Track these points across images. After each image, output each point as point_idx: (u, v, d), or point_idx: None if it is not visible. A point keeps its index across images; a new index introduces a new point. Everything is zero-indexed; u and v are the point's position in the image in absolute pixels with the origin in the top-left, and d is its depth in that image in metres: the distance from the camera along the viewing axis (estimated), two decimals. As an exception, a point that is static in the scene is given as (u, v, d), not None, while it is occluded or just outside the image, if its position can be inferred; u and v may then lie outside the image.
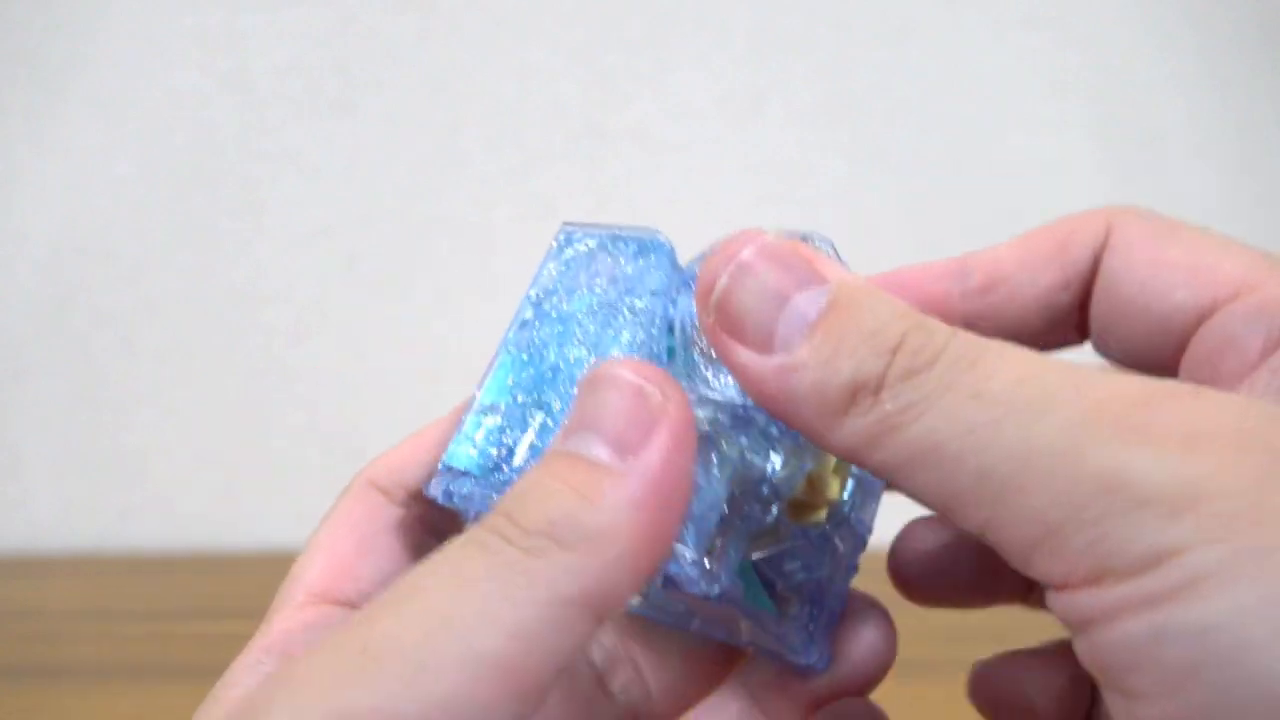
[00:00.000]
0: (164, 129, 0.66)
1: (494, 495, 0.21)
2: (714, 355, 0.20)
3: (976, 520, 0.17)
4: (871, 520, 0.23)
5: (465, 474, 0.21)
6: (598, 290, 0.22)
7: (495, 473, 0.21)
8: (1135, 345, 0.22)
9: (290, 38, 0.66)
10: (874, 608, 0.23)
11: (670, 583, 0.19)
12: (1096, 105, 0.67)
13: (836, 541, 0.22)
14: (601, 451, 0.17)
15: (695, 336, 0.21)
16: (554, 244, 0.24)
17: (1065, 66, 0.66)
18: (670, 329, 0.21)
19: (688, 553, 0.18)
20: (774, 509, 0.20)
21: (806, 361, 0.18)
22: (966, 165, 0.67)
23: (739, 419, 0.20)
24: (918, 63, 0.67)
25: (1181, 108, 0.66)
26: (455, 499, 0.21)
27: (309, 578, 0.23)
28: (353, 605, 0.22)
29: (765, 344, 0.18)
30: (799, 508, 0.21)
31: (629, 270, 0.22)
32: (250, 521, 0.67)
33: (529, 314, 0.23)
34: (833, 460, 0.21)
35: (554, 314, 0.23)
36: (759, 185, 0.68)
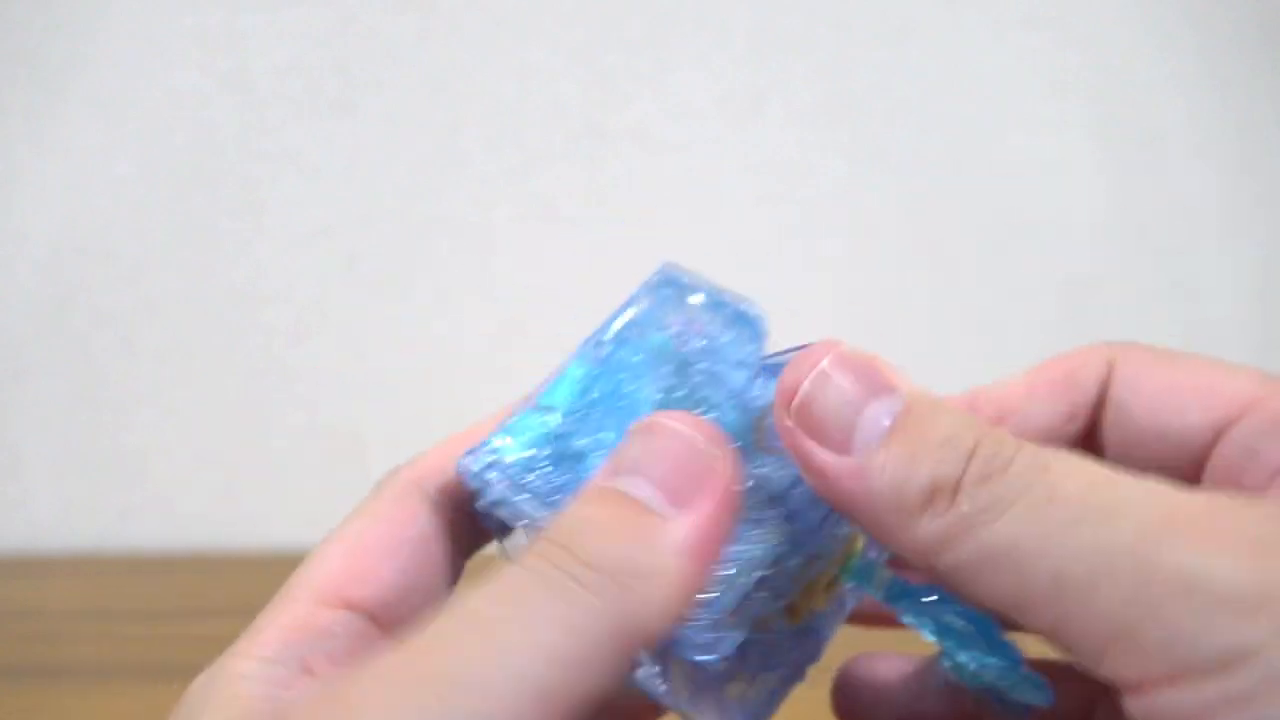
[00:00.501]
0: (164, 129, 0.66)
1: (524, 496, 0.21)
2: (771, 446, 0.21)
3: (1047, 620, 0.18)
4: (831, 636, 0.24)
5: (509, 464, 0.22)
6: (690, 343, 0.23)
7: (529, 472, 0.22)
8: (1153, 466, 0.23)
9: (290, 38, 0.66)
10: None
11: (677, 644, 0.19)
12: (1096, 105, 0.67)
13: (797, 648, 0.23)
14: (655, 497, 0.18)
15: (758, 424, 0.21)
16: (651, 279, 0.24)
17: (1065, 66, 0.66)
18: (743, 407, 0.22)
19: (705, 617, 0.19)
20: (781, 602, 0.21)
21: (884, 464, 0.19)
22: (966, 165, 0.67)
23: (782, 511, 0.21)
24: (918, 63, 0.67)
25: (1181, 108, 0.66)
26: (489, 485, 0.21)
27: (322, 573, 0.22)
28: (370, 613, 0.22)
29: (844, 445, 0.19)
30: (788, 608, 0.22)
31: (721, 336, 0.23)
32: (250, 521, 0.67)
33: (609, 335, 0.23)
34: (831, 571, 0.21)
35: (635, 346, 0.23)
36: (759, 185, 0.68)
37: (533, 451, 0.22)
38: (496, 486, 0.21)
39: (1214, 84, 0.66)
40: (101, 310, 0.67)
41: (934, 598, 0.21)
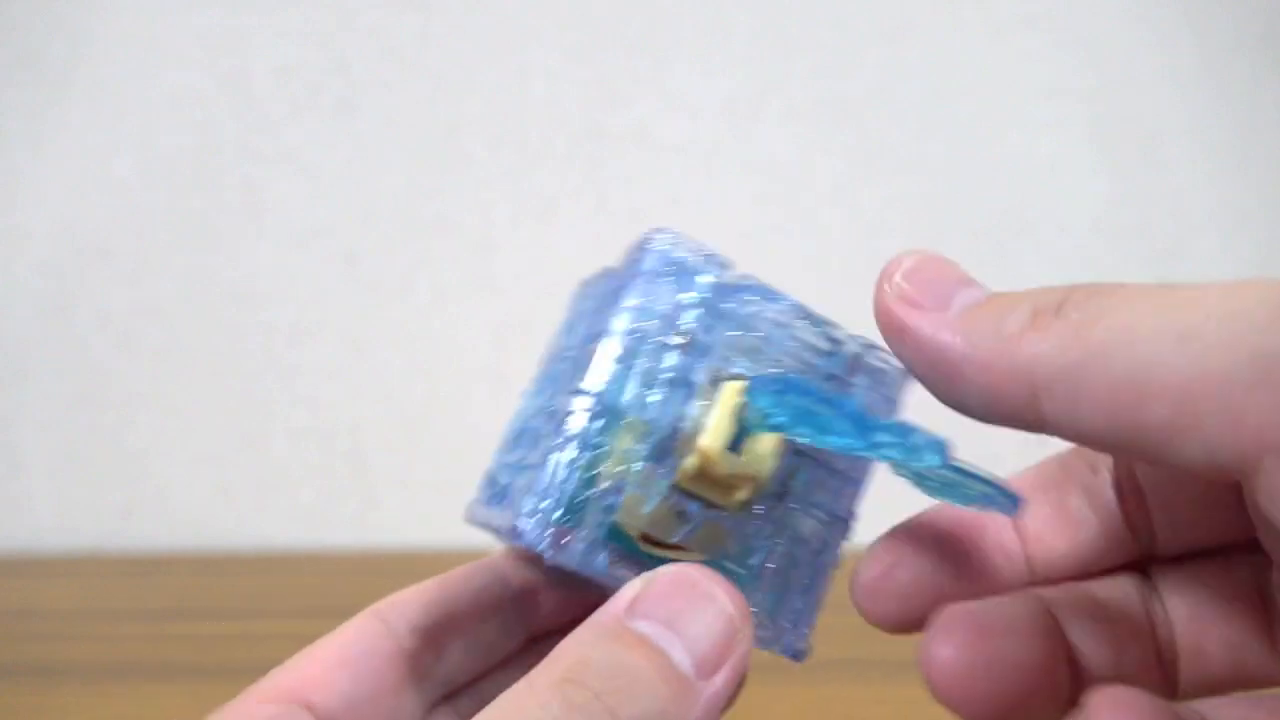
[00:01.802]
0: (164, 129, 0.66)
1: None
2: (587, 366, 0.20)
3: (1168, 404, 0.16)
4: (848, 504, 0.23)
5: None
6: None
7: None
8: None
9: (290, 38, 0.66)
10: None
11: (525, 544, 0.20)
12: (1095, 105, 0.67)
13: (781, 524, 0.22)
14: (688, 665, 0.18)
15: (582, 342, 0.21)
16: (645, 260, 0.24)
17: (1064, 67, 0.66)
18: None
19: (536, 516, 0.19)
20: (655, 488, 0.20)
21: (982, 311, 0.19)
22: (966, 165, 0.67)
23: (602, 414, 0.20)
24: (917, 63, 0.67)
25: (1180, 108, 0.66)
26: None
27: (280, 675, 0.23)
28: (315, 711, 0.22)
29: (944, 305, 0.19)
30: (714, 488, 0.21)
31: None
32: (250, 522, 0.67)
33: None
34: (720, 435, 0.21)
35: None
36: (759, 185, 0.68)
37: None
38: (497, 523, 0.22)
39: (1213, 84, 0.66)
40: (101, 310, 0.67)
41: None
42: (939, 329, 0.19)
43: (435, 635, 0.24)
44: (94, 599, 0.60)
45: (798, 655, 0.22)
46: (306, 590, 0.57)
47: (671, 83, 0.68)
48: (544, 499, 0.20)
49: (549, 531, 0.20)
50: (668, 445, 0.20)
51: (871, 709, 0.44)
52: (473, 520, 0.23)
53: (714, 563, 0.21)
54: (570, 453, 0.20)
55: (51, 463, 0.68)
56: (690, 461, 0.21)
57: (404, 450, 0.67)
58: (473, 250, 0.68)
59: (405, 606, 0.24)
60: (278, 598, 0.57)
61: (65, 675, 0.49)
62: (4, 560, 0.65)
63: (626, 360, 0.20)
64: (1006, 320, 0.18)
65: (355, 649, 0.23)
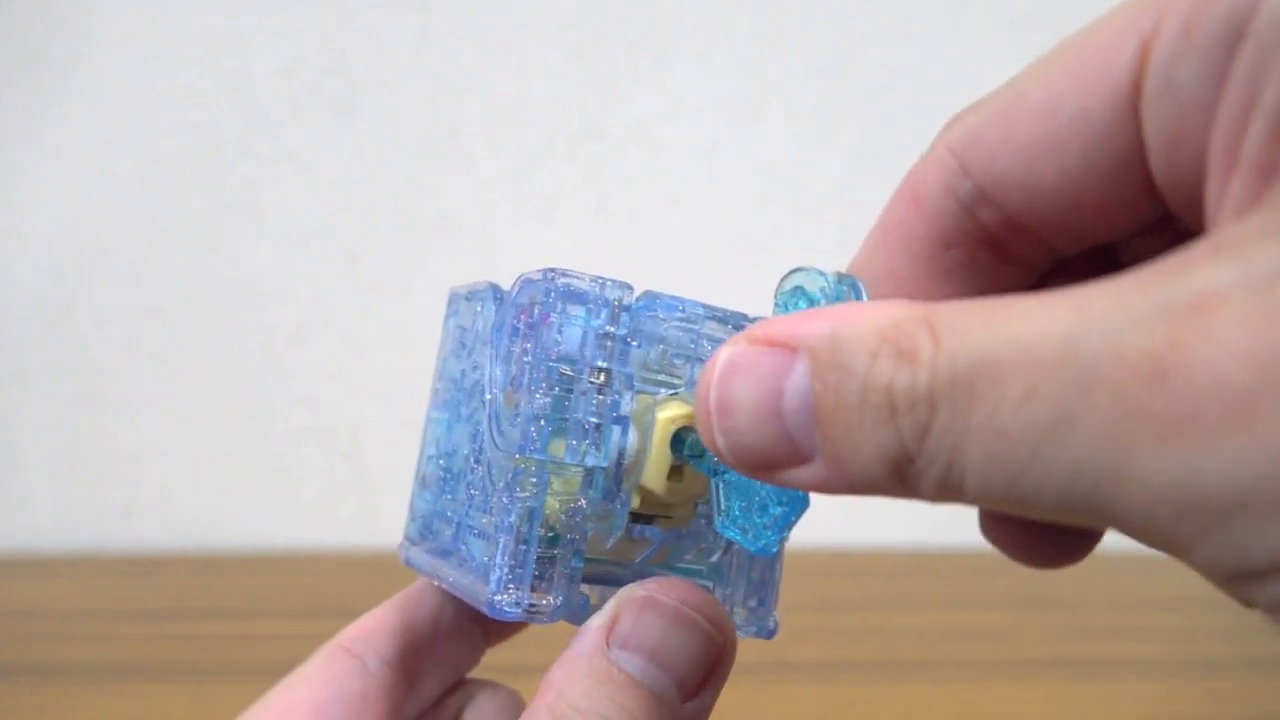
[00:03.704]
0: (164, 129, 0.66)
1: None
2: (503, 404, 0.21)
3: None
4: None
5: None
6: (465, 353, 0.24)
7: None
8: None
9: (290, 38, 0.66)
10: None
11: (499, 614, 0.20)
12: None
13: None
14: (674, 695, 0.19)
15: (494, 385, 0.21)
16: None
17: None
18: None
19: (512, 592, 0.20)
20: (616, 524, 0.21)
21: (839, 457, 0.16)
22: (966, 165, 0.67)
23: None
24: (918, 63, 0.67)
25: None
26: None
27: None
28: None
29: (797, 454, 0.16)
30: (663, 508, 0.22)
31: (476, 324, 0.24)
32: (249, 522, 0.67)
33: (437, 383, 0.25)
34: (660, 473, 0.21)
35: (446, 381, 0.25)
36: (759, 185, 0.68)
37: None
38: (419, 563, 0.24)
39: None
40: (101, 310, 0.67)
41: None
42: (822, 484, 0.16)
43: (407, 667, 0.24)
44: (94, 599, 0.60)
45: (770, 634, 0.23)
46: (306, 590, 0.57)
47: (671, 83, 0.68)
48: (510, 570, 0.20)
49: (526, 603, 0.20)
50: (616, 479, 0.21)
51: (871, 709, 0.44)
52: (410, 564, 0.24)
53: (680, 569, 0.22)
54: (520, 519, 0.20)
55: (51, 463, 0.68)
56: (637, 500, 0.21)
57: (404, 450, 0.67)
58: (473, 250, 0.68)
59: (373, 638, 0.24)
60: (278, 598, 0.57)
61: (65, 675, 0.49)
62: (4, 560, 0.65)
63: (556, 411, 0.20)
64: (876, 473, 0.15)
65: (326, 693, 0.23)
